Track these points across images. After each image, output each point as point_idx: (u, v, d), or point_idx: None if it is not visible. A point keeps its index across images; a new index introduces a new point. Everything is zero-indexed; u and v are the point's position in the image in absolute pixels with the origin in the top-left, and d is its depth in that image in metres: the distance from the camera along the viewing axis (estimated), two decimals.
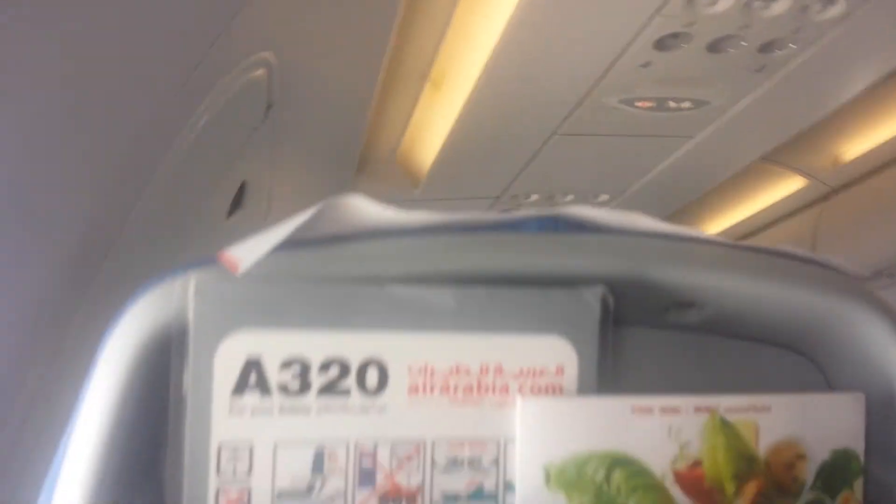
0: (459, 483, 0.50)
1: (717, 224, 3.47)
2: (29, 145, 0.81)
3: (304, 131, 1.57)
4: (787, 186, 3.09)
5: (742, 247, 0.57)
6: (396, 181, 2.29)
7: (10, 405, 0.95)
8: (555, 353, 0.51)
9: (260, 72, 1.21)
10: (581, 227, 0.54)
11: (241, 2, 1.05)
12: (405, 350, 0.49)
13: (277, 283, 0.47)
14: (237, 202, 1.41)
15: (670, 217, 2.88)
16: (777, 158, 2.77)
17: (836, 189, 3.00)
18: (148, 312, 0.47)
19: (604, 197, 2.50)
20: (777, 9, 1.55)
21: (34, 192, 0.86)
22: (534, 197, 2.46)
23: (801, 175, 3.00)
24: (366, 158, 2.15)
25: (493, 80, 1.76)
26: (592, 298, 0.51)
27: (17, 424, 0.97)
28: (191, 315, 0.46)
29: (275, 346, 0.47)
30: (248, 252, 0.47)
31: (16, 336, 0.92)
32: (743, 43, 1.64)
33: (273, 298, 0.47)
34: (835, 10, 1.57)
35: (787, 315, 0.56)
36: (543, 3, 1.49)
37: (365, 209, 0.50)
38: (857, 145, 2.78)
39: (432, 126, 2.08)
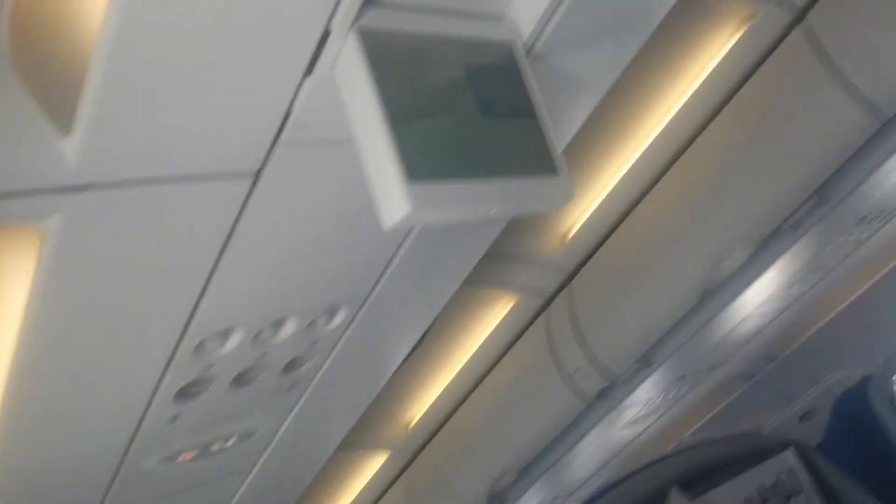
0: None
1: None
2: None
3: None
4: (374, 464, 3.15)
5: None
6: None
7: None
8: None
9: None
10: None
11: None
12: None
13: None
14: None
15: None
16: (355, 442, 2.80)
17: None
18: None
19: None
20: (286, 332, 1.56)
21: None
22: None
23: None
24: None
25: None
26: None
27: None
28: None
29: None
30: None
31: None
32: (267, 369, 1.62)
33: None
34: (339, 318, 1.64)
35: None
36: (36, 384, 1.29)
37: None
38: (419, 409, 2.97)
39: None
